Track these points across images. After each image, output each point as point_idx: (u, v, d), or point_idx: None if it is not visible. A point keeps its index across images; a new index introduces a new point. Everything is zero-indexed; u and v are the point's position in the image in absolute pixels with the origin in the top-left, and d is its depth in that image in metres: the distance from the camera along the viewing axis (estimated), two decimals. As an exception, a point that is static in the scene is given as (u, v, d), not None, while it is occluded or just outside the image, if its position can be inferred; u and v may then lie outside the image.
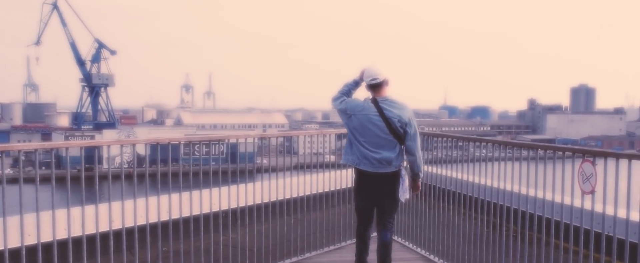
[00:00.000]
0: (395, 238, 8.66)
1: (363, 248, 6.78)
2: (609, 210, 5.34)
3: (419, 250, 8.42)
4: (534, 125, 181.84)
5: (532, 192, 6.46)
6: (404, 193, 6.54)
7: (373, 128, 6.24)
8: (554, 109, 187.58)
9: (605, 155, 5.32)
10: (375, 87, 6.33)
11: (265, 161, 7.59)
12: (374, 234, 6.77)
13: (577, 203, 5.60)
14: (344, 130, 7.21)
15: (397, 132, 6.25)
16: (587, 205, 5.51)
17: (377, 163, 6.30)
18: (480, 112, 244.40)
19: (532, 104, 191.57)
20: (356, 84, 6.59)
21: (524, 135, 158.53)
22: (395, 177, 6.43)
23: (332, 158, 9.19)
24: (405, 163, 6.56)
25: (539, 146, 6.20)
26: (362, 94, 6.53)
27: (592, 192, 5.31)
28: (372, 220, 6.74)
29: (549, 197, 6.14)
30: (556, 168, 5.76)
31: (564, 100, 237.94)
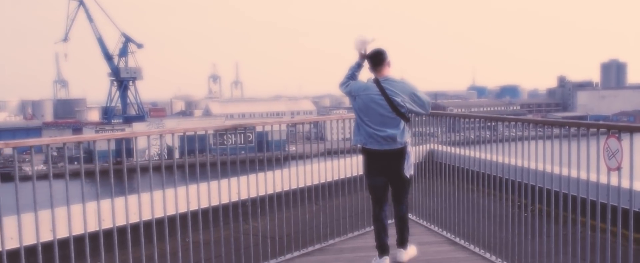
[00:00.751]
0: (420, 221, 8.72)
1: (381, 230, 7.00)
2: (637, 186, 5.29)
3: (444, 232, 8.36)
4: (565, 103, 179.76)
5: (557, 170, 6.35)
6: (409, 169, 6.81)
7: (376, 107, 6.54)
8: (585, 86, 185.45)
9: (631, 130, 5.23)
10: (376, 65, 6.67)
11: (294, 148, 7.60)
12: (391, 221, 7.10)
13: (603, 179, 5.53)
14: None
15: (400, 109, 6.53)
16: (614, 182, 5.40)
17: (382, 141, 6.59)
18: (510, 91, 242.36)
19: (562, 81, 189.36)
20: (359, 66, 6.94)
21: (555, 113, 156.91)
22: (401, 153, 6.70)
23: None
24: (410, 140, 6.86)
25: (563, 123, 6.11)
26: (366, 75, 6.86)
27: (618, 169, 5.17)
28: (387, 199, 7.02)
29: (575, 174, 6.06)
30: (582, 145, 5.68)
31: (595, 76, 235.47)
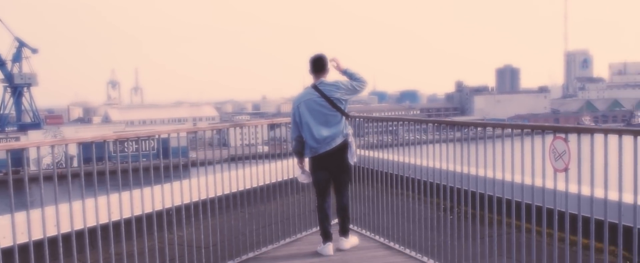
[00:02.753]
0: (352, 227, 8.48)
1: (324, 219, 7.61)
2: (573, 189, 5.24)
3: (377, 237, 8.23)
4: (463, 107, 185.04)
5: (482, 172, 6.31)
6: (353, 156, 7.52)
7: (319, 108, 7.28)
8: (481, 90, 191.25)
9: (578, 131, 5.09)
10: (318, 71, 7.42)
11: (196, 155, 7.30)
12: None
13: (547, 184, 5.48)
14: (276, 120, 8.81)
15: (339, 106, 7.30)
16: (560, 186, 5.33)
17: (331, 141, 7.33)
18: (409, 96, 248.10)
19: (460, 86, 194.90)
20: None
21: (454, 117, 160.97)
22: (344, 147, 7.43)
23: (265, 148, 8.99)
24: (351, 131, 7.55)
25: (508, 125, 6.05)
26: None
27: (566, 170, 5.09)
28: (329, 191, 7.67)
29: (499, 176, 6.03)
30: (517, 146, 5.62)
31: (490, 82, 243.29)
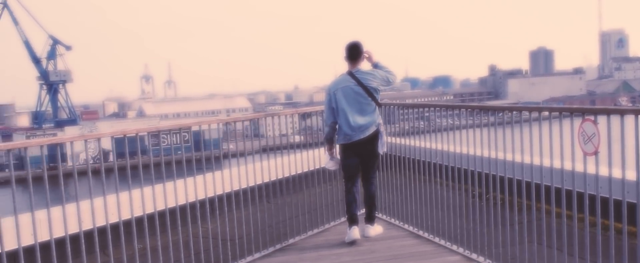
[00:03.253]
0: (380, 216, 8.49)
1: (353, 201, 7.63)
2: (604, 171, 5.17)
3: (406, 226, 8.18)
4: (496, 91, 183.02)
5: (510, 157, 6.23)
6: (383, 146, 7.61)
7: (355, 96, 7.34)
8: (515, 74, 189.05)
9: (608, 113, 4.97)
10: (354, 58, 7.46)
11: (231, 146, 7.31)
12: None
13: (577, 167, 5.40)
14: (308, 109, 8.88)
15: (374, 95, 7.38)
16: (589, 168, 5.25)
17: (365, 129, 7.38)
18: (442, 81, 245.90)
19: (493, 70, 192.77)
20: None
21: (487, 101, 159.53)
22: (376, 136, 7.49)
23: (298, 138, 8.98)
24: (381, 121, 7.61)
25: (533, 108, 5.85)
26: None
27: (596, 153, 5.00)
28: (358, 177, 7.71)
29: (528, 161, 5.94)
30: (546, 129, 5.54)
31: (524, 65, 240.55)
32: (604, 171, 5.07)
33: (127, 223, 6.00)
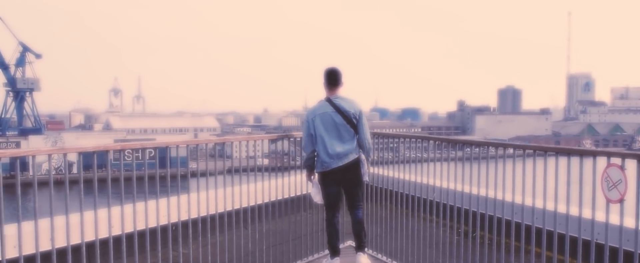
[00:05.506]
0: (367, 251, 8.06)
1: (334, 234, 7.40)
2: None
3: (391, 262, 7.88)
4: (464, 126, 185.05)
5: (500, 196, 5.99)
6: (365, 174, 7.42)
7: (333, 123, 7.15)
8: (483, 110, 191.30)
9: (638, 158, 4.59)
10: (332, 85, 7.30)
11: (196, 165, 6.98)
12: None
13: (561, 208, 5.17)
14: (276, 135, 8.58)
15: (353, 122, 7.17)
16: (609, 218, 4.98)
17: (343, 157, 7.16)
18: (411, 113, 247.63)
19: (461, 105, 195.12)
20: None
21: (455, 136, 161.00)
22: (357, 163, 7.29)
23: (266, 161, 8.66)
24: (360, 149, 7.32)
25: (555, 149, 5.49)
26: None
27: (621, 201, 4.65)
28: (340, 206, 7.51)
29: (529, 203, 5.70)
30: (541, 169, 5.31)
31: (492, 102, 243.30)
32: (622, 220, 4.81)
33: (91, 245, 5.52)
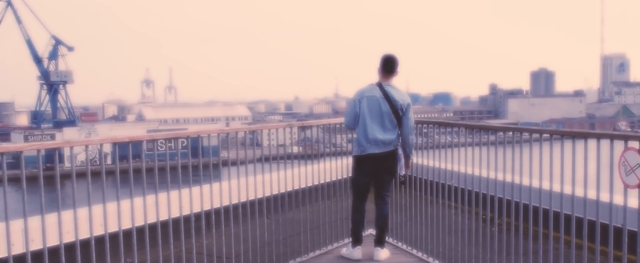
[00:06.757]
0: (387, 239, 8.05)
1: (360, 221, 7.40)
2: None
3: (415, 252, 7.79)
4: (496, 110, 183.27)
5: (526, 182, 5.92)
6: (401, 169, 7.30)
7: (378, 109, 7.03)
8: (515, 93, 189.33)
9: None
10: (388, 71, 7.20)
11: (230, 154, 7.03)
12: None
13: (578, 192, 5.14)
14: (307, 122, 8.39)
15: (398, 113, 7.03)
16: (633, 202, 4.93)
17: (382, 144, 7.07)
18: (442, 98, 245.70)
19: (494, 89, 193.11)
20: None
21: (487, 120, 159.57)
22: (394, 154, 7.19)
23: (296, 149, 8.69)
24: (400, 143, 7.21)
25: (569, 132, 5.35)
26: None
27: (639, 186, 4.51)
28: (367, 195, 7.43)
29: (547, 187, 5.68)
30: (570, 154, 5.19)
31: (525, 85, 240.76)
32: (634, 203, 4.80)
33: (114, 236, 5.60)
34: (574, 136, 5.37)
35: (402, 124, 7.10)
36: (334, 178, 8.12)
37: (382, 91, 7.06)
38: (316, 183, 7.94)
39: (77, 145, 5.58)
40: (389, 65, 7.19)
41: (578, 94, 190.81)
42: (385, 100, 7.01)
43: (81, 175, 5.21)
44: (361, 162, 7.24)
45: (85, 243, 5.38)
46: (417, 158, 7.76)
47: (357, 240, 7.40)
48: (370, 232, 7.94)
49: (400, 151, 7.25)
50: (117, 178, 5.60)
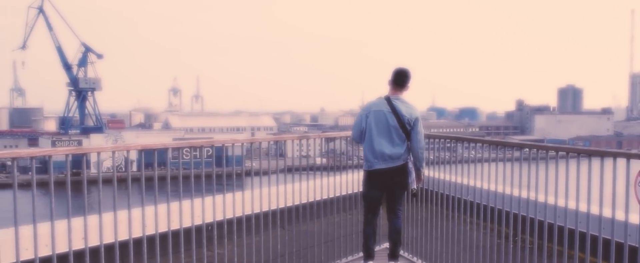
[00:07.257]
0: (402, 253, 8.09)
1: (371, 235, 7.29)
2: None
3: None
4: (523, 126, 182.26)
5: (543, 198, 5.97)
6: (412, 182, 7.17)
7: (386, 122, 6.95)
8: (542, 110, 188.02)
9: None
10: (399, 85, 7.07)
11: (254, 164, 7.09)
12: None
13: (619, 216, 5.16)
14: (332, 134, 8.38)
15: (406, 127, 6.93)
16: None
17: (389, 160, 6.96)
18: (469, 113, 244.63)
19: (520, 105, 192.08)
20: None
21: (513, 136, 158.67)
22: (404, 168, 7.07)
23: (320, 160, 8.74)
24: (410, 156, 7.10)
25: (585, 151, 5.45)
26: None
27: None
28: (379, 210, 7.38)
29: (562, 203, 5.72)
30: (586, 172, 5.25)
31: (552, 101, 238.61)
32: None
33: (136, 242, 5.76)
34: (590, 154, 5.43)
35: (411, 138, 7.00)
36: (350, 192, 8.15)
37: (390, 105, 6.97)
38: (332, 196, 7.97)
39: (105, 151, 5.77)
40: (400, 79, 7.07)
41: (606, 111, 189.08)
42: (393, 114, 6.92)
43: (107, 181, 5.39)
44: (371, 177, 7.14)
45: (109, 248, 5.55)
46: (433, 172, 7.80)
47: (369, 255, 7.30)
48: (385, 246, 7.95)
49: (410, 165, 7.15)
50: (142, 185, 5.76)
